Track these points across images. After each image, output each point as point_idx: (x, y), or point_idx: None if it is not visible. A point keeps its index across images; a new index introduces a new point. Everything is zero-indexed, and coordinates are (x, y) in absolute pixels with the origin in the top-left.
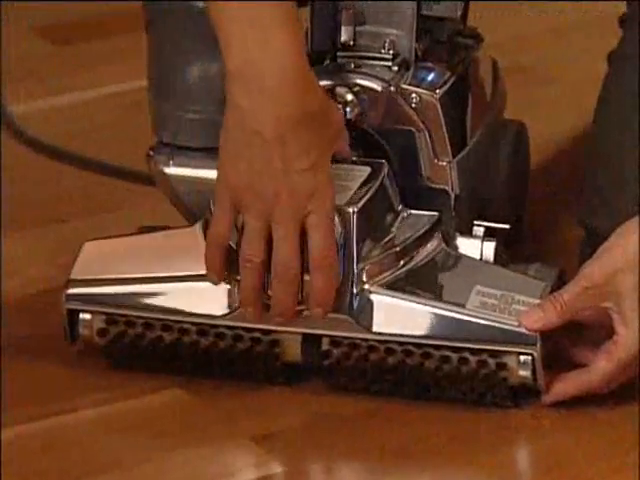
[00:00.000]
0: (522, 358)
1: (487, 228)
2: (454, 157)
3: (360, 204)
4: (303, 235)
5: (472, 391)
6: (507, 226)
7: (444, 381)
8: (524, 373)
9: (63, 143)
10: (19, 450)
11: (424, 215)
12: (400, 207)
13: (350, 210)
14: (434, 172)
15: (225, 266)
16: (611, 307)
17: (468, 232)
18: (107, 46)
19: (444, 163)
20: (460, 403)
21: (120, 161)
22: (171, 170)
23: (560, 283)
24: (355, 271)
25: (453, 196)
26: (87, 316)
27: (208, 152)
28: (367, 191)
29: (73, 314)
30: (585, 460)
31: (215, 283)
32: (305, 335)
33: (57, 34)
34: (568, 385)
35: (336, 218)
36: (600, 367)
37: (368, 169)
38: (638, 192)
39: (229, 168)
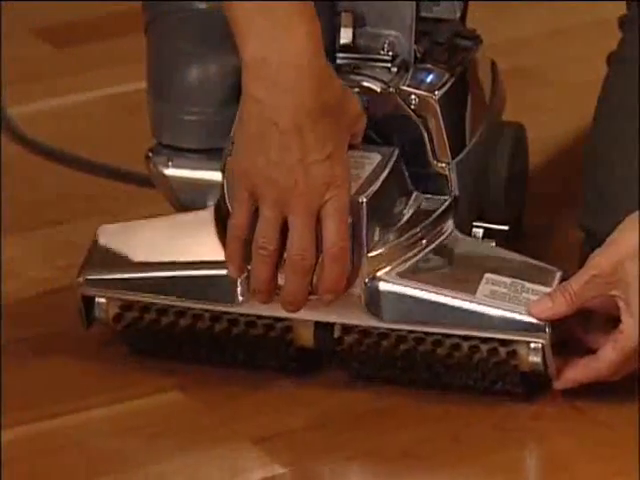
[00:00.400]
0: (532, 346)
1: (486, 229)
2: (453, 158)
3: (370, 193)
4: (317, 224)
5: (483, 378)
6: (506, 227)
7: (455, 368)
8: (534, 360)
9: (63, 145)
10: (19, 451)
11: (435, 199)
12: (410, 193)
13: (360, 200)
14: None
15: (245, 259)
16: (619, 295)
17: (467, 233)
18: (107, 48)
19: (443, 164)
20: (464, 402)
21: (119, 163)
22: (170, 172)
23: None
24: (366, 260)
25: (452, 197)
26: (103, 300)
27: (207, 154)
28: (377, 179)
29: (88, 299)
30: (585, 462)
31: (235, 277)
32: (317, 321)
33: (57, 36)
34: (577, 372)
35: None
36: (607, 355)
37: (378, 156)
38: (638, 192)
39: (245, 159)
